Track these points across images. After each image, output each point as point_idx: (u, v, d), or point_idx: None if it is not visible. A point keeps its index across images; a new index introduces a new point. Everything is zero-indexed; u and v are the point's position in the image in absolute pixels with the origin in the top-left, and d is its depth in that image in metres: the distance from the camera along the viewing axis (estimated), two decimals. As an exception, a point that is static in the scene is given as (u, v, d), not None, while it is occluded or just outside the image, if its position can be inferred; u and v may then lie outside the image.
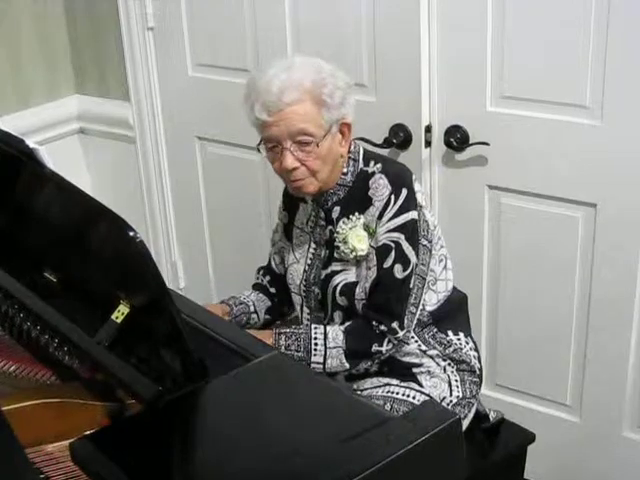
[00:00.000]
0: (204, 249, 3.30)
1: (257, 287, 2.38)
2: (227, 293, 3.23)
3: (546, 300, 2.56)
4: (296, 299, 2.24)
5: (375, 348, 2.05)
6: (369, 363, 2.10)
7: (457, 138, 2.51)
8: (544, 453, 2.51)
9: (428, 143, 2.56)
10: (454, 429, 1.28)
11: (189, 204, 3.26)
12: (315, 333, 2.06)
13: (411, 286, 2.05)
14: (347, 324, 2.09)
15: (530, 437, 2.27)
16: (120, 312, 1.50)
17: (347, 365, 2.06)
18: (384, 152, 2.47)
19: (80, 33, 3.23)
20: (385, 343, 2.05)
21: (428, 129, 2.54)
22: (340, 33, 2.59)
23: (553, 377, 2.64)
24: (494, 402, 2.59)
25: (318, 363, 2.05)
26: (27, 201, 1.68)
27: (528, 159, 2.44)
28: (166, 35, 3.02)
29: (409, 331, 2.09)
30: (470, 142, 2.50)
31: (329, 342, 2.05)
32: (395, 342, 2.06)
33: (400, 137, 2.56)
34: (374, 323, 2.04)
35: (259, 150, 2.06)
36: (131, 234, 1.33)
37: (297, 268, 2.21)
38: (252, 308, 2.31)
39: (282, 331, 2.08)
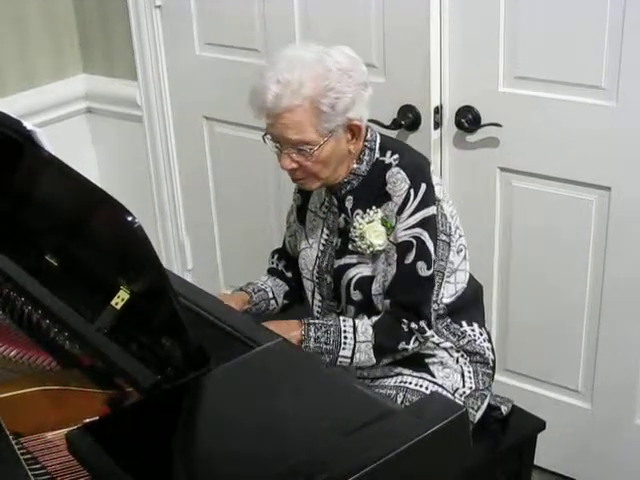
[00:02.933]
0: (212, 229, 3.27)
1: (273, 272, 2.34)
2: (234, 274, 3.23)
3: (558, 284, 2.52)
4: (307, 284, 2.19)
5: (402, 346, 2.00)
6: (391, 359, 2.05)
7: (468, 119, 2.46)
8: (554, 440, 2.48)
9: (437, 124, 2.52)
10: (460, 422, 1.24)
11: (197, 184, 3.23)
12: (344, 326, 2.00)
13: (435, 283, 2.01)
14: (375, 319, 2.02)
15: (540, 424, 2.23)
16: (120, 298, 1.48)
17: (374, 360, 2.01)
18: (392, 134, 2.43)
19: (87, 11, 3.19)
20: (412, 341, 2.01)
21: (437, 110, 2.50)
22: (349, 12, 2.54)
23: (564, 363, 2.60)
24: (504, 387, 2.55)
25: (346, 357, 1.99)
26: (26, 184, 1.65)
27: (541, 141, 2.39)
28: (174, 13, 2.98)
29: (435, 328, 2.05)
30: (482, 123, 2.45)
31: (359, 336, 1.99)
32: (422, 340, 2.02)
33: (409, 118, 2.51)
34: (404, 321, 1.99)
35: (265, 140, 2.01)
36: (129, 219, 1.30)
37: (310, 254, 2.17)
38: (270, 294, 2.27)
39: (311, 322, 2.01)
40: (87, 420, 1.48)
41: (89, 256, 1.52)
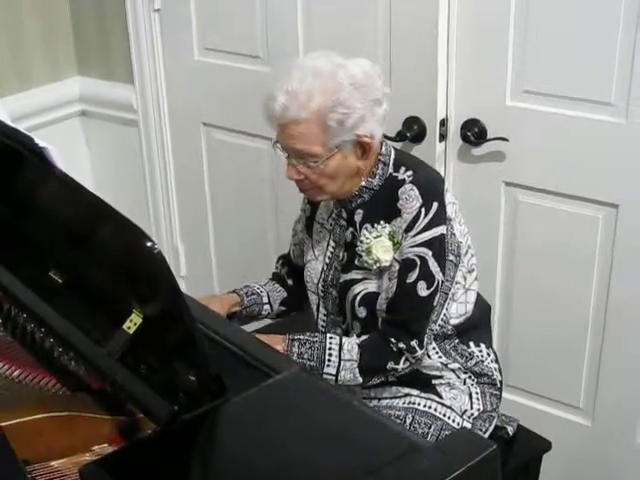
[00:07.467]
0: (207, 236, 3.23)
1: (275, 277, 2.32)
2: (229, 281, 3.18)
3: (561, 301, 2.49)
4: (312, 298, 2.16)
5: (390, 365, 1.97)
6: (382, 379, 2.02)
7: (474, 132, 2.43)
8: (555, 456, 2.44)
9: (442, 137, 2.48)
10: (490, 461, 1.20)
11: (192, 190, 3.18)
12: (330, 343, 1.98)
13: (435, 304, 1.97)
14: (363, 338, 2.00)
15: (546, 445, 2.21)
16: (132, 322, 1.42)
17: (360, 379, 1.98)
18: (397, 146, 2.39)
19: (84, 13, 3.13)
20: (402, 361, 1.97)
21: (443, 123, 2.46)
22: (355, 22, 2.50)
23: (566, 380, 2.57)
24: (504, 402, 2.52)
25: (331, 375, 1.97)
26: (37, 201, 1.60)
27: (548, 156, 2.36)
28: (173, 17, 2.92)
29: (427, 349, 2.02)
30: (488, 137, 2.42)
31: (344, 354, 1.97)
32: (412, 360, 1.99)
33: (414, 130, 2.48)
34: (392, 340, 1.96)
35: (275, 148, 1.97)
36: (149, 244, 1.25)
37: (315, 266, 2.13)
38: (265, 299, 2.25)
39: (296, 337, 1.99)
40: (96, 447, 1.44)
41: (103, 277, 1.47)
